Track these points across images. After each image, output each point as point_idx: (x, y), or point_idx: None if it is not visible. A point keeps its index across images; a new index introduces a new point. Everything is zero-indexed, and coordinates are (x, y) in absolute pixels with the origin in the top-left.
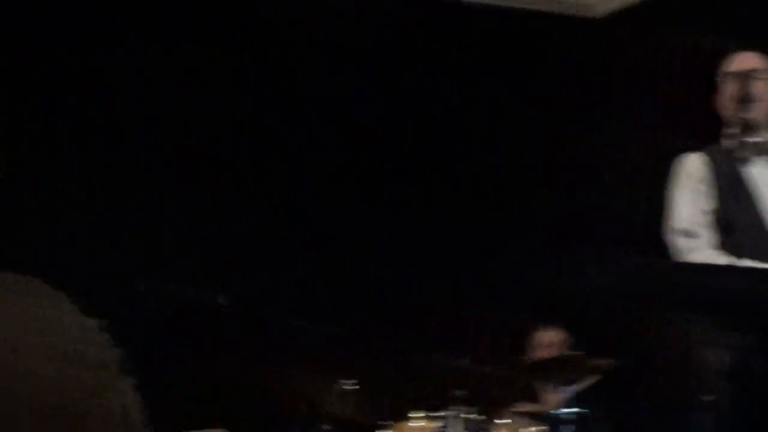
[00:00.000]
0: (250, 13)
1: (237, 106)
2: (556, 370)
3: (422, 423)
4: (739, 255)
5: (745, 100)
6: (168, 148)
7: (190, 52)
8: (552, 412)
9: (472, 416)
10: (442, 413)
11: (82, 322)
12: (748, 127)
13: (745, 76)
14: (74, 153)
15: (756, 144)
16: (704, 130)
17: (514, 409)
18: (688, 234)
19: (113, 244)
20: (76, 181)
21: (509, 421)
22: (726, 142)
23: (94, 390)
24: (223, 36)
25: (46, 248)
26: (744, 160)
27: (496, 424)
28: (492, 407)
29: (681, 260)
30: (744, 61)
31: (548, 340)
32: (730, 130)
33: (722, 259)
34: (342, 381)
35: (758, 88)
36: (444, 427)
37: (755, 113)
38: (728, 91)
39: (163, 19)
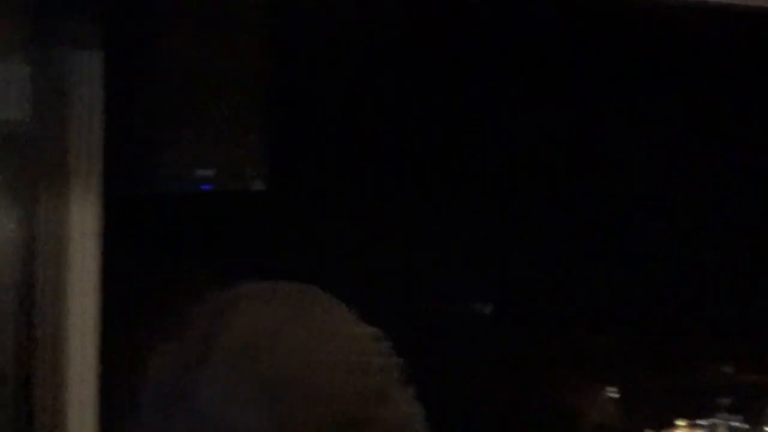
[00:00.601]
0: None
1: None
2: None
3: (687, 431)
4: None
5: None
6: (423, 156)
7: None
8: None
9: (737, 424)
10: (707, 422)
11: (362, 331)
12: None
13: None
14: (341, 162)
15: None
16: None
17: None
18: None
19: (383, 251)
20: (343, 190)
21: None
22: None
23: (377, 398)
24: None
25: (321, 257)
26: None
27: None
28: (758, 415)
29: None
30: None
31: None
32: None
33: None
34: (607, 389)
35: None
36: None
37: None
38: None
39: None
